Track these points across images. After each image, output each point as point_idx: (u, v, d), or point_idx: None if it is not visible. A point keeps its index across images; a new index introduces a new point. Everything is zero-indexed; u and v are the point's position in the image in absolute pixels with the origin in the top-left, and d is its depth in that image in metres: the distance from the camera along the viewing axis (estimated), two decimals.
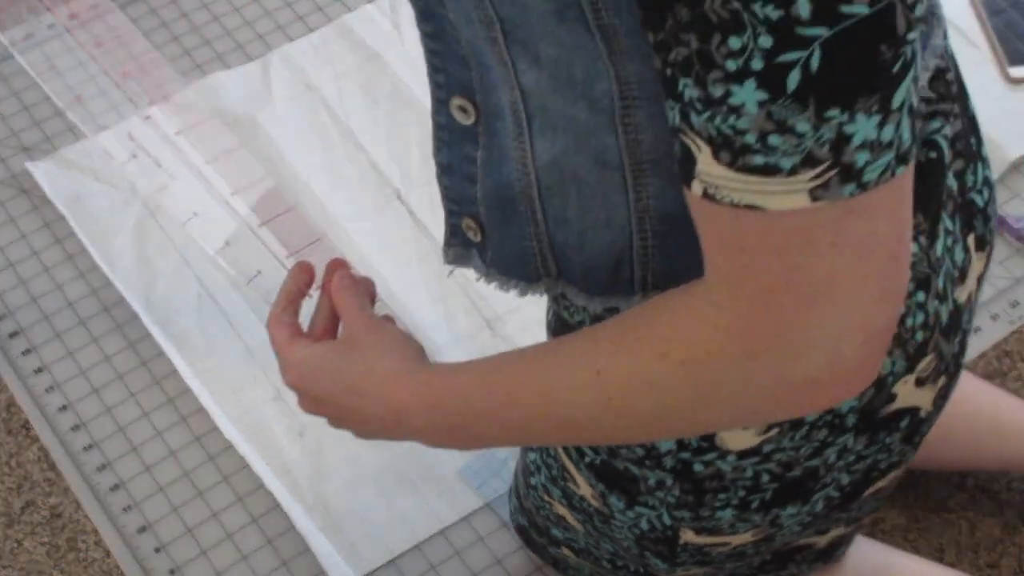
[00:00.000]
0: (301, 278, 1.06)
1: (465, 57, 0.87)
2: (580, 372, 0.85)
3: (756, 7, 0.63)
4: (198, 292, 1.74)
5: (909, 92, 0.69)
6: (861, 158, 0.69)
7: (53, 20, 1.99)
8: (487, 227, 0.99)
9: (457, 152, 0.96)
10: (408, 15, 1.98)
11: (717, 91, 0.67)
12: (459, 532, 1.58)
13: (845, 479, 1.06)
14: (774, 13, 0.64)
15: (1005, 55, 1.92)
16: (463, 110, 0.92)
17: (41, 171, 1.83)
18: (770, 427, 0.98)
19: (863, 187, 0.69)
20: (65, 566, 1.59)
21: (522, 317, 1.72)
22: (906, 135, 0.70)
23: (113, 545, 1.57)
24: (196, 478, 1.61)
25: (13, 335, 1.71)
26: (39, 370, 1.69)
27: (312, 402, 1.02)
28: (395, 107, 1.90)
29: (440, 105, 0.94)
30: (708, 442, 1.01)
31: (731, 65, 0.66)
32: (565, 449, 1.15)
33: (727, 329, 0.75)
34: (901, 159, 0.70)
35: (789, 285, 0.72)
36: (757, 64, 0.65)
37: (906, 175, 0.72)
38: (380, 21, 1.98)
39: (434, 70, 0.91)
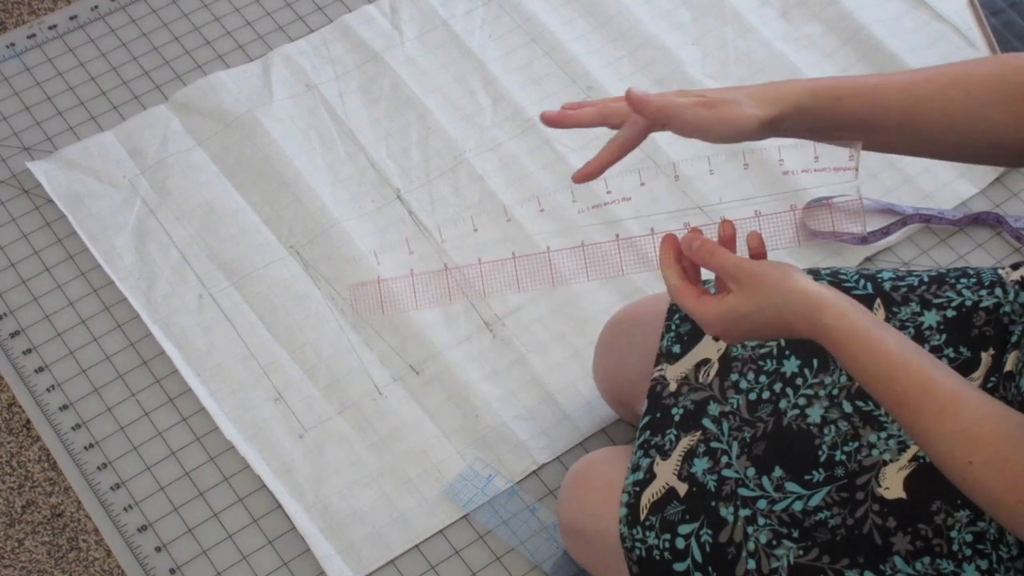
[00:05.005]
0: (678, 247, 1.13)
1: None
2: (957, 446, 0.94)
3: None
4: (199, 292, 1.74)
5: None
6: None
7: (54, 21, 1.99)
8: None
9: None
10: (408, 15, 1.98)
11: None
12: (459, 532, 1.58)
13: None
14: None
15: None
16: None
17: (42, 171, 1.83)
18: None
19: None
20: (66, 565, 1.60)
21: (520, 318, 1.72)
22: None
23: (114, 544, 1.57)
24: (197, 478, 1.61)
25: (14, 335, 1.72)
26: (40, 369, 1.69)
27: (734, 338, 1.11)
28: (395, 107, 1.90)
29: None
30: None
31: None
32: None
33: None
34: None
35: None
36: None
37: None
38: (380, 21, 1.98)
39: None
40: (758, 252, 1.12)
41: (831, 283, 1.29)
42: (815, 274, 1.31)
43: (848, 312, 1.01)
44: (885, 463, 1.18)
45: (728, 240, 1.12)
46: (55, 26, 1.99)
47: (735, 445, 1.23)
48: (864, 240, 1.77)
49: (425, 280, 1.56)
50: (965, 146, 1.12)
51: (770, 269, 1.05)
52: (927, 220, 1.79)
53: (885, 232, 1.77)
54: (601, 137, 1.88)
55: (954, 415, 0.95)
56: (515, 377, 1.68)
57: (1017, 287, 1.22)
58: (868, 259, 1.76)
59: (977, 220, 1.79)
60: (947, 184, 1.83)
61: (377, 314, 1.54)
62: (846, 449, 1.19)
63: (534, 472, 1.62)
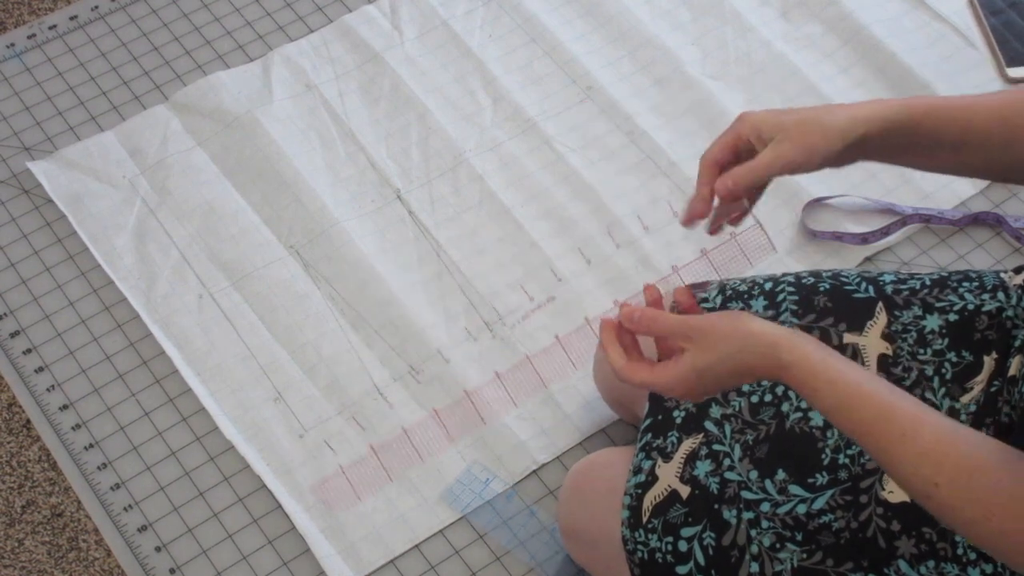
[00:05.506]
0: (626, 324, 1.11)
1: None
2: (921, 467, 0.95)
3: None
4: (199, 292, 1.74)
5: None
6: None
7: (54, 21, 1.99)
8: None
9: None
10: (408, 15, 1.98)
11: None
12: (459, 532, 1.58)
13: None
14: None
15: (1004, 55, 1.92)
16: None
17: (42, 171, 1.83)
18: None
19: None
20: (66, 565, 1.60)
21: (520, 319, 1.72)
22: None
23: (114, 544, 1.57)
24: (196, 478, 1.62)
25: (14, 335, 1.72)
26: (40, 369, 1.69)
27: (698, 396, 1.09)
28: (395, 107, 1.90)
29: None
30: None
31: None
32: None
33: None
34: None
35: None
36: None
37: None
38: (380, 21, 1.98)
39: None
40: (690, 307, 1.12)
41: (833, 286, 1.29)
42: (817, 277, 1.31)
43: (804, 346, 1.01)
44: None
45: (656, 304, 1.12)
46: (55, 26, 1.99)
47: (737, 448, 1.23)
48: (864, 240, 1.77)
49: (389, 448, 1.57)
50: None
51: (719, 319, 1.05)
52: (927, 220, 1.79)
53: (885, 232, 1.77)
54: (601, 137, 1.89)
55: (916, 437, 0.95)
56: (515, 377, 1.68)
57: (1020, 291, 1.22)
58: (868, 259, 1.76)
59: (977, 220, 1.79)
60: (947, 184, 1.83)
61: (354, 504, 1.56)
62: (849, 452, 1.19)
63: (534, 472, 1.62)
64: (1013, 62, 1.92)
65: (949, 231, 1.79)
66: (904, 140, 1.13)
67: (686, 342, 1.06)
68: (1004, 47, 1.93)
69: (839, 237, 1.77)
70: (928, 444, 0.95)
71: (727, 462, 1.23)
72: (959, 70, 1.91)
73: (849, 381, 0.99)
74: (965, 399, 1.18)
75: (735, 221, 1.21)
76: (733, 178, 1.11)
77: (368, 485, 1.61)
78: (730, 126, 1.15)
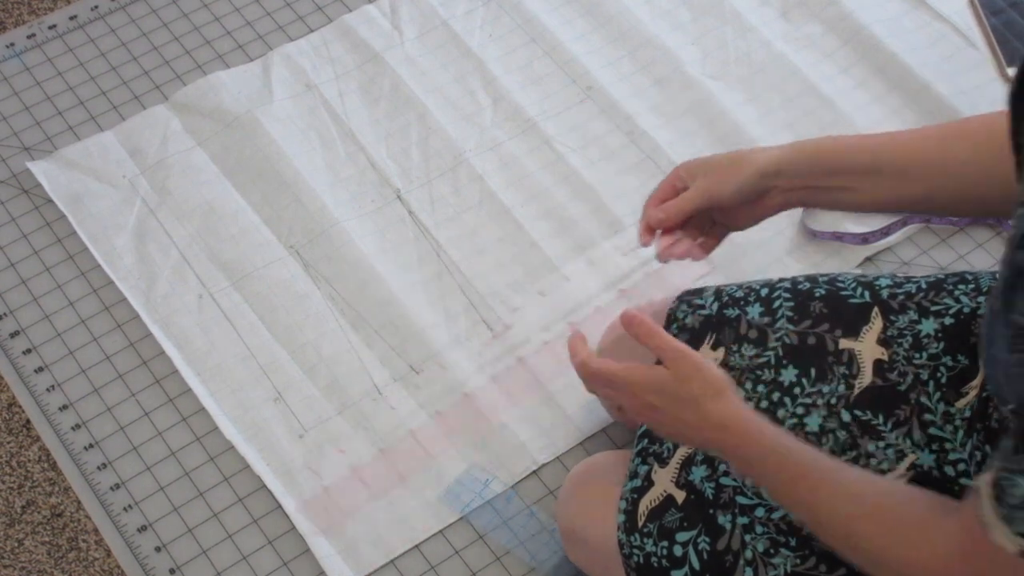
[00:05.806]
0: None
1: None
2: (841, 502, 1.02)
3: None
4: (199, 292, 1.74)
5: None
6: None
7: (54, 21, 1.99)
8: None
9: None
10: (408, 15, 1.98)
11: None
12: (459, 532, 1.58)
13: None
14: None
15: (1004, 55, 1.92)
16: None
17: (42, 171, 1.83)
18: None
19: None
20: (66, 565, 1.60)
21: (520, 318, 1.72)
22: None
23: (113, 544, 1.58)
24: (196, 478, 1.62)
25: (14, 335, 1.72)
26: (40, 370, 1.69)
27: (644, 411, 1.16)
28: (395, 107, 1.90)
29: None
30: None
31: None
32: None
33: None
34: None
35: None
36: None
37: None
38: (380, 21, 1.98)
39: None
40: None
41: (829, 291, 1.29)
42: (813, 282, 1.31)
43: (749, 410, 1.10)
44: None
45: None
46: (55, 26, 1.99)
47: None
48: (864, 240, 1.77)
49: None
50: (967, 198, 1.18)
51: (713, 368, 1.10)
52: (927, 220, 1.79)
53: (885, 232, 1.77)
54: (601, 137, 1.89)
55: (840, 480, 1.03)
56: (515, 377, 1.68)
57: None
58: (868, 259, 1.76)
59: (977, 220, 1.79)
60: None
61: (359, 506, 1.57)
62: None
63: (534, 472, 1.62)
64: (1013, 62, 1.92)
65: (949, 231, 1.79)
66: (817, 167, 1.21)
67: (672, 365, 1.11)
68: (1005, 47, 1.93)
69: (839, 237, 1.77)
70: (848, 481, 1.03)
71: (723, 467, 1.23)
72: (959, 70, 1.91)
73: (784, 437, 1.07)
74: (960, 404, 1.18)
75: (682, 255, 1.31)
76: (664, 210, 1.28)
77: (373, 487, 1.61)
78: (668, 174, 1.30)
